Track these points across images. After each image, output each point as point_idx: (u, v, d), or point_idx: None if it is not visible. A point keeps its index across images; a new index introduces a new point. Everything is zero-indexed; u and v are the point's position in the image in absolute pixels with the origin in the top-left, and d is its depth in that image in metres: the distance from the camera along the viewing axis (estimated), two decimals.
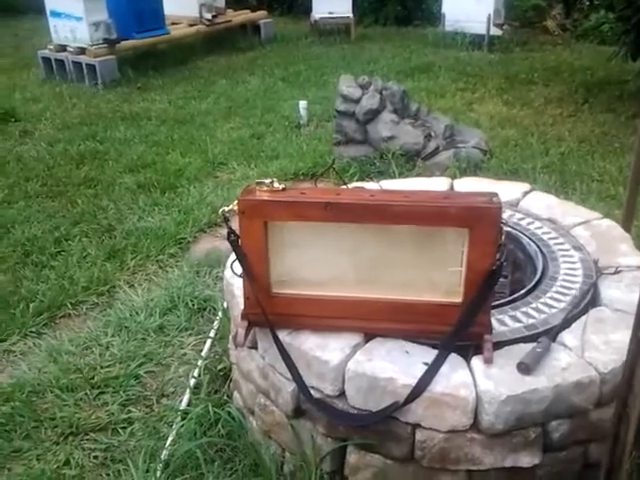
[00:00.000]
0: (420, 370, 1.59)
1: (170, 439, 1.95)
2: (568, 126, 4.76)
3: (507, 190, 2.59)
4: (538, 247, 2.15)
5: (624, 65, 5.66)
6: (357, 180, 3.76)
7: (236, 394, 2.08)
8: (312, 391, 1.67)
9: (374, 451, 1.66)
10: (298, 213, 1.60)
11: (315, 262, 1.67)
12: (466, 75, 6.19)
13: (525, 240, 2.20)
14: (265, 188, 1.63)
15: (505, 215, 2.36)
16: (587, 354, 1.64)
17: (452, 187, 2.65)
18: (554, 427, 1.60)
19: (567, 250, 2.13)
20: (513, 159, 4.02)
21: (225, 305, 2.44)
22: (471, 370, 1.59)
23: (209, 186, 3.98)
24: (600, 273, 1.99)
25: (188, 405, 2.10)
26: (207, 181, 4.10)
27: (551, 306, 1.84)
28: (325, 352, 1.66)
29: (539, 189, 2.74)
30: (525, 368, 1.56)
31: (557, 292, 1.91)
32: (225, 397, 2.08)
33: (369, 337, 1.72)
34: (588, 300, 1.87)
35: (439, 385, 1.54)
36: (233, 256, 2.12)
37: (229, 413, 1.96)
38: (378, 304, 1.68)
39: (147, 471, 1.87)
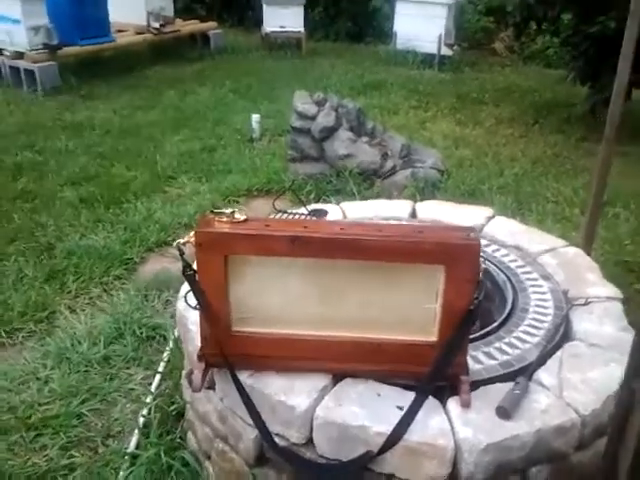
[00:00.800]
0: (394, 415, 1.48)
1: None
2: (520, 146, 4.81)
3: (470, 215, 2.53)
4: (507, 276, 2.09)
5: (571, 88, 5.79)
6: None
7: (190, 436, 1.92)
8: (277, 438, 1.53)
9: None
10: (262, 247, 1.47)
11: (280, 299, 1.54)
12: (418, 93, 6.20)
13: (492, 268, 2.13)
14: (225, 219, 1.49)
15: None
16: (566, 394, 1.56)
17: (414, 210, 2.58)
18: (534, 474, 1.51)
19: (536, 280, 2.08)
20: (469, 180, 4.00)
21: (176, 334, 2.27)
22: (448, 415, 1.49)
23: (157, 202, 3.79)
24: (571, 304, 1.94)
25: (137, 448, 1.92)
26: (155, 196, 3.90)
27: (524, 341, 1.77)
28: (290, 396, 1.52)
29: (496, 211, 2.72)
30: (504, 412, 1.48)
31: (529, 325, 1.84)
32: (178, 439, 1.91)
33: (338, 378, 1.60)
34: (562, 334, 1.81)
35: (415, 434, 1.44)
36: (186, 285, 2.00)
37: (183, 459, 1.79)
38: (348, 344, 1.56)
39: None
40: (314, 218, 2.48)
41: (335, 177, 3.82)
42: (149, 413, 2.03)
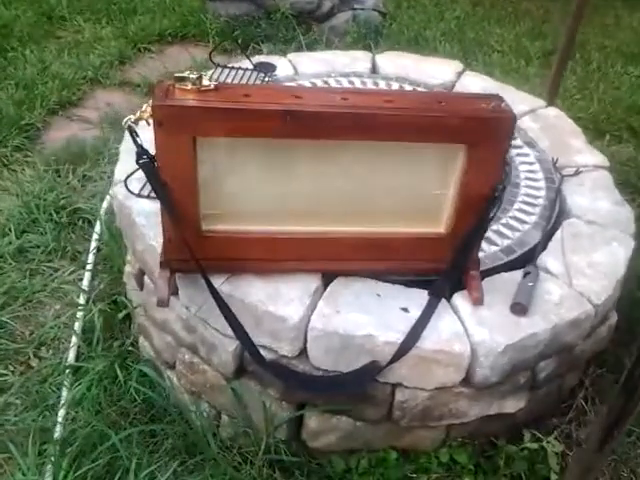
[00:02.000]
0: (401, 320, 1.28)
1: (63, 410, 1.51)
2: None
3: (438, 70, 2.24)
4: None
5: None
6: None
7: (144, 342, 1.65)
8: (263, 351, 1.31)
9: (341, 413, 1.37)
10: (244, 126, 1.12)
11: (262, 190, 1.23)
12: None
13: None
14: (189, 86, 1.11)
15: None
16: (575, 282, 1.43)
17: (375, 64, 2.24)
18: (542, 367, 1.41)
19: (520, 147, 1.87)
20: (412, 24, 3.61)
21: (110, 221, 1.91)
22: (458, 315, 1.32)
23: (51, 50, 3.14)
24: (561, 176, 1.77)
25: (77, 359, 1.64)
26: (47, 43, 3.23)
27: (522, 221, 1.59)
28: (279, 305, 1.28)
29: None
30: (521, 309, 1.32)
31: (524, 202, 1.66)
32: (129, 347, 1.65)
33: (327, 278, 1.36)
34: (558, 211, 1.65)
35: (427, 341, 1.25)
36: (122, 161, 1.62)
37: (141, 371, 1.54)
38: (342, 240, 1.30)
39: (40, 455, 1.44)
40: (262, 74, 2.09)
41: (265, 19, 3.30)
42: (87, 317, 1.72)
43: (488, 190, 1.24)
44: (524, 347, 1.30)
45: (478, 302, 1.32)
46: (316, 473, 1.45)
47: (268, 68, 2.17)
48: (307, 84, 2.06)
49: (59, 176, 2.30)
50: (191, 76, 1.12)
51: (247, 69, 2.10)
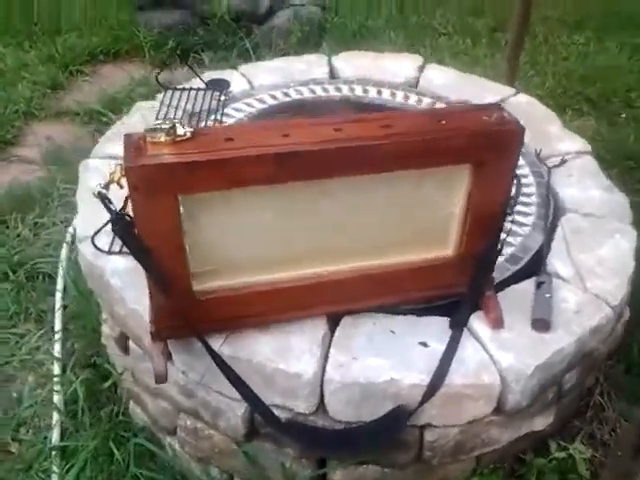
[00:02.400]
0: (422, 357, 1.18)
1: None
2: None
3: (398, 66, 2.14)
4: None
5: None
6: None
7: (135, 408, 1.51)
8: (277, 410, 1.19)
9: (368, 462, 1.27)
10: (231, 177, 0.99)
11: (255, 238, 1.10)
12: None
13: None
14: (163, 138, 0.97)
15: (412, 101, 1.96)
16: (589, 284, 1.36)
17: (332, 68, 2.12)
18: (567, 379, 1.34)
19: None
20: (353, 15, 3.49)
21: (63, 268, 1.74)
22: (480, 342, 1.23)
23: None
24: (548, 168, 1.70)
25: (62, 438, 1.48)
26: None
27: (521, 223, 1.51)
28: (290, 361, 1.16)
29: (391, 51, 2.36)
30: (544, 325, 1.24)
31: (517, 202, 1.58)
32: (120, 417, 1.50)
33: (333, 320, 1.25)
34: (553, 207, 1.58)
35: (455, 375, 1.16)
36: (85, 214, 1.46)
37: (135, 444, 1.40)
38: (348, 279, 1.19)
39: None
40: (216, 93, 1.95)
41: (201, 26, 3.13)
42: (65, 387, 1.56)
43: (498, 208, 1.15)
44: (552, 364, 1.23)
45: (498, 324, 1.24)
46: None
47: (221, 85, 2.02)
48: (266, 97, 1.94)
49: (7, 227, 2.09)
50: (163, 126, 0.98)
51: (199, 89, 1.95)
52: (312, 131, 1.04)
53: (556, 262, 1.41)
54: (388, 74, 2.09)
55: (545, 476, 1.42)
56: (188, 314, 1.10)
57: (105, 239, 1.38)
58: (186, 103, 1.89)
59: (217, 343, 1.17)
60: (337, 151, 1.01)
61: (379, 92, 1.99)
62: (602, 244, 1.47)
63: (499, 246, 1.20)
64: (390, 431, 1.17)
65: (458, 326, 1.20)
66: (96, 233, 1.37)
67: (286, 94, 1.98)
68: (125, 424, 1.49)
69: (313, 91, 1.99)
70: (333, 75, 2.12)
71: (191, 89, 1.96)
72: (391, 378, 1.15)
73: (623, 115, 2.87)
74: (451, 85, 2.05)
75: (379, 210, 1.15)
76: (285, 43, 2.98)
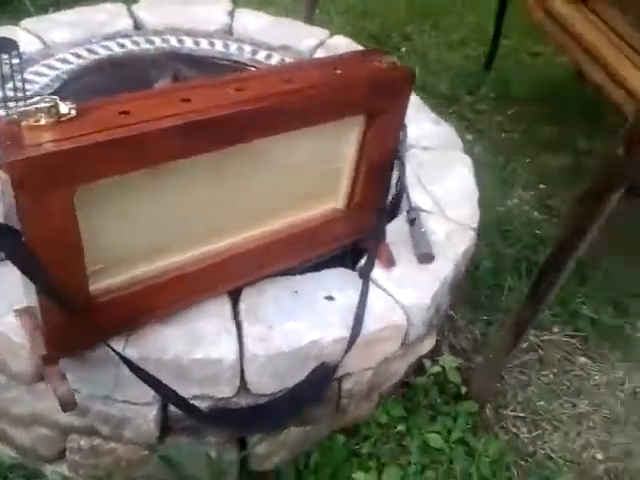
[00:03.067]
0: (333, 311, 1.19)
1: None
2: None
3: (207, 12, 2.01)
4: None
5: None
6: None
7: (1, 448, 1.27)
8: (196, 401, 1.10)
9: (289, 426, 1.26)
10: (135, 157, 0.85)
11: (150, 222, 0.97)
12: None
13: None
14: (44, 120, 0.79)
15: (233, 48, 1.86)
16: (449, 212, 1.46)
17: (134, 18, 1.91)
18: (442, 302, 1.45)
19: None
20: None
21: None
22: (378, 285, 1.27)
23: None
24: None
25: None
26: None
27: None
28: (206, 348, 1.07)
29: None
30: (428, 258, 1.32)
31: None
32: None
33: (232, 295, 1.18)
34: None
35: (368, 321, 1.19)
36: None
37: None
38: (248, 250, 1.12)
39: None
40: (4, 57, 1.63)
41: None
42: None
43: (391, 156, 1.17)
44: (440, 292, 1.32)
45: (390, 263, 1.29)
46: None
47: (8, 46, 1.69)
48: (69, 56, 1.68)
49: None
50: (41, 105, 0.79)
51: None
52: (213, 93, 0.93)
53: (415, 196, 1.50)
54: (198, 22, 1.95)
55: (429, 392, 1.56)
56: (87, 323, 0.94)
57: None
58: None
59: (118, 347, 1.03)
60: (248, 113, 0.92)
61: (196, 42, 1.85)
62: (447, 174, 1.59)
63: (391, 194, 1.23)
64: (316, 390, 1.16)
65: (365, 275, 1.22)
66: None
67: (91, 51, 1.74)
68: None
69: (122, 45, 1.78)
70: (137, 26, 1.91)
71: None
72: (313, 340, 1.13)
73: (403, 49, 3.09)
74: (267, 30, 1.99)
75: (272, 173, 1.09)
76: None
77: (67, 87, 1.59)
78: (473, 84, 2.83)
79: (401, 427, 1.46)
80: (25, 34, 1.75)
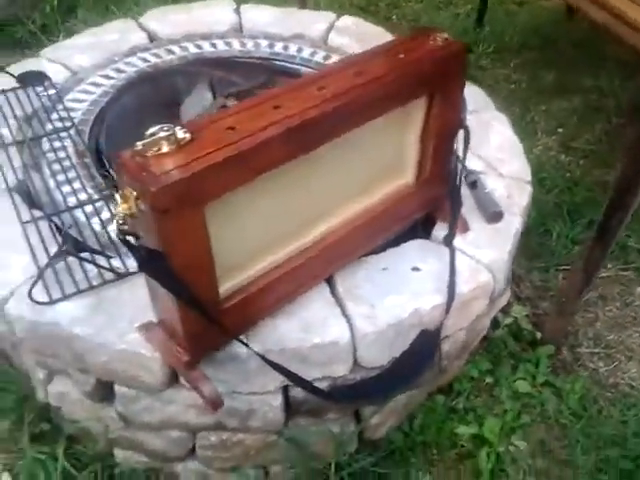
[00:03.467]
0: (423, 280, 1.25)
1: None
2: None
3: (213, 13, 2.02)
4: None
5: None
6: None
7: (125, 453, 1.33)
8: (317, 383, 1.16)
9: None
10: (253, 167, 0.90)
11: (261, 224, 1.03)
12: None
13: None
14: (166, 147, 0.83)
15: (250, 45, 1.89)
16: (502, 170, 1.53)
17: (147, 31, 1.93)
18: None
19: None
20: None
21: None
22: (457, 249, 1.32)
23: None
24: None
25: None
26: None
27: None
28: (320, 332, 1.13)
29: None
30: (498, 215, 1.38)
31: None
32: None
33: (326, 281, 1.24)
34: None
35: (461, 285, 1.25)
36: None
37: None
38: (342, 236, 1.17)
39: None
40: (39, 88, 1.66)
41: None
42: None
43: (456, 126, 1.22)
44: (514, 247, 1.39)
45: (465, 228, 1.35)
46: (384, 460, 1.41)
47: (37, 79, 1.71)
48: (99, 79, 1.71)
49: None
50: (162, 134, 0.83)
51: (14, 89, 1.64)
52: (299, 97, 0.97)
53: (466, 161, 1.55)
54: (208, 24, 1.97)
55: (507, 343, 1.63)
56: (218, 327, 1.00)
57: (40, 291, 1.15)
58: (11, 109, 1.58)
59: (242, 345, 1.09)
60: (336, 111, 0.97)
61: (213, 45, 1.87)
62: (489, 134, 1.64)
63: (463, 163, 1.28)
64: (424, 357, 1.23)
65: (450, 243, 1.28)
66: (34, 285, 1.13)
67: (118, 70, 1.76)
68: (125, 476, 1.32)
69: (145, 59, 1.81)
70: (152, 38, 1.93)
71: (2, 91, 1.64)
72: (414, 309, 1.20)
73: (394, 17, 3.11)
74: (275, 22, 2.01)
75: (353, 160, 1.14)
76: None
77: (112, 109, 1.62)
78: (471, 42, 2.86)
79: (489, 379, 1.54)
80: (50, 64, 1.77)
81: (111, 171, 1.43)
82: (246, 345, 1.01)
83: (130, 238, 0.83)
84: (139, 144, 0.83)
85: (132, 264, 1.21)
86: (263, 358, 1.03)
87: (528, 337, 1.64)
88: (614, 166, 2.26)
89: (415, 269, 1.27)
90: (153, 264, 0.84)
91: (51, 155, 1.47)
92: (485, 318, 1.41)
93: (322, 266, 1.18)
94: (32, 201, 1.36)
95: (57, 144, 1.50)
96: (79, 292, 1.15)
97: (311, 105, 0.95)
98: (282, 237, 1.09)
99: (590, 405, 1.53)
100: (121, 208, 0.81)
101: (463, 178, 1.46)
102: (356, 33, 2.00)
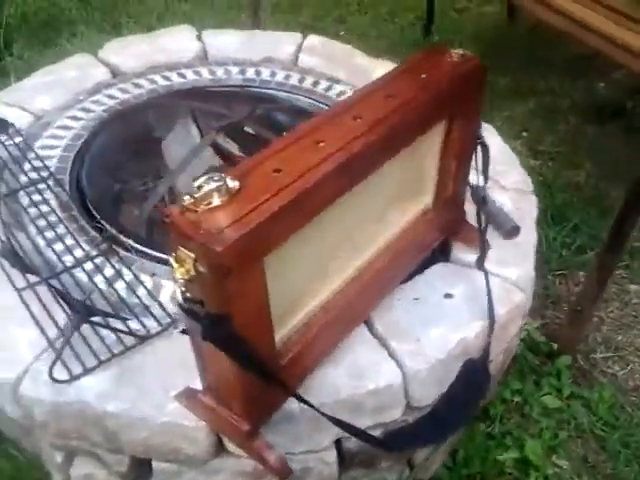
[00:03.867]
0: (460, 306, 1.20)
1: None
2: None
3: (176, 41, 1.93)
4: None
5: None
6: None
7: None
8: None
9: None
10: (307, 209, 0.82)
11: (310, 264, 0.95)
12: None
13: None
14: (218, 199, 0.74)
15: (221, 73, 1.80)
16: (504, 182, 1.51)
17: (109, 66, 1.80)
18: None
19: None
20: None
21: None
22: (492, 272, 1.28)
23: None
24: None
25: None
26: None
27: None
28: (373, 377, 1.06)
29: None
30: (514, 230, 1.36)
31: None
32: None
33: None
34: None
35: (499, 307, 1.20)
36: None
37: None
38: (378, 270, 1.11)
39: None
40: (3, 137, 1.50)
41: None
42: None
43: (471, 146, 1.18)
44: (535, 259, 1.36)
45: (487, 247, 1.31)
46: None
47: (1, 127, 1.56)
48: (68, 122, 1.58)
49: None
50: (212, 185, 0.74)
51: None
52: (338, 129, 0.90)
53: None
54: (172, 53, 1.87)
55: (527, 358, 1.61)
56: (276, 386, 0.91)
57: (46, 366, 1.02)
58: None
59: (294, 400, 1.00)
60: (379, 140, 0.90)
61: (182, 75, 1.78)
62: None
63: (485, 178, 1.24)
64: (477, 384, 1.17)
65: (482, 265, 1.23)
66: (54, 363, 0.99)
67: (85, 110, 1.64)
68: None
69: (112, 96, 1.69)
70: (114, 73, 1.81)
71: None
72: (461, 339, 1.14)
73: (342, 32, 3.08)
74: (243, 47, 1.93)
75: (383, 188, 1.08)
76: None
77: (88, 153, 1.49)
78: None
79: (517, 398, 1.51)
80: (7, 108, 1.62)
81: (103, 222, 1.31)
82: (307, 403, 0.92)
83: (194, 306, 0.73)
84: (187, 198, 0.74)
85: (151, 324, 1.11)
86: (325, 415, 0.95)
87: (544, 349, 1.62)
88: (582, 166, 2.32)
89: (448, 296, 1.22)
90: (217, 330, 0.75)
91: (33, 210, 1.33)
92: (517, 337, 1.38)
93: (363, 304, 1.11)
94: (23, 264, 1.22)
95: (37, 197, 1.36)
96: (101, 363, 1.03)
97: (353, 137, 0.88)
98: (325, 276, 1.02)
99: (620, 413, 1.52)
100: (179, 273, 0.72)
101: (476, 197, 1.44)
102: (325, 53, 1.95)
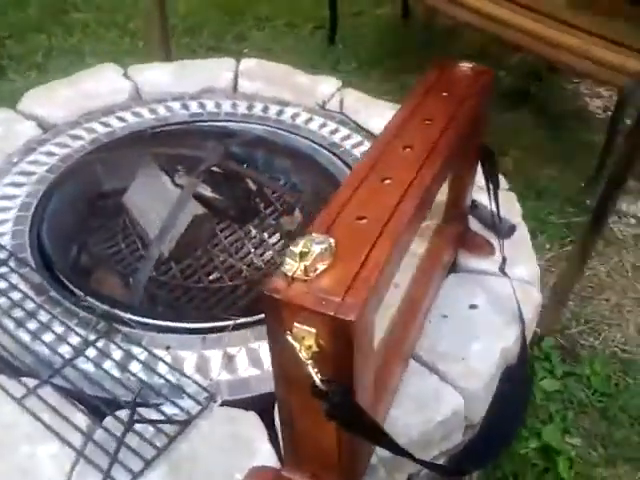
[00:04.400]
0: (490, 315, 1.20)
1: None
2: None
3: (100, 82, 1.77)
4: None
5: None
6: None
7: None
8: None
9: None
10: (403, 250, 0.79)
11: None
12: None
13: None
14: (322, 265, 0.68)
15: (163, 112, 1.69)
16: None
17: (35, 118, 1.63)
18: None
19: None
20: None
21: None
22: (491, 273, 1.29)
23: None
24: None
25: None
26: None
27: None
28: (436, 406, 1.03)
29: None
30: (512, 228, 1.39)
31: None
32: None
33: None
34: None
35: (524, 309, 1.21)
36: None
37: None
38: (416, 297, 1.09)
39: None
40: None
41: None
42: None
43: (477, 154, 1.18)
44: None
45: (491, 251, 1.32)
46: None
47: None
48: (21, 178, 1.41)
49: None
50: (315, 248, 0.68)
51: None
52: (395, 162, 0.86)
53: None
54: (104, 97, 1.72)
55: None
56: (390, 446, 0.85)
57: None
58: None
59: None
60: (442, 168, 0.88)
61: (121, 119, 1.63)
62: None
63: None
64: (523, 389, 1.17)
65: (504, 270, 1.24)
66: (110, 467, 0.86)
67: (26, 173, 1.46)
68: None
69: (51, 153, 1.51)
70: (43, 126, 1.63)
71: None
72: (501, 348, 1.14)
73: (245, 50, 3.01)
74: (177, 80, 1.81)
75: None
76: None
77: (44, 223, 1.33)
78: (333, 62, 2.89)
79: None
80: None
81: (91, 299, 1.17)
82: (411, 456, 0.86)
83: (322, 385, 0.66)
84: (290, 267, 0.67)
85: (187, 404, 1.00)
86: (417, 460, 0.90)
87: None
88: (508, 154, 2.43)
89: (473, 307, 1.22)
90: (344, 407, 0.68)
91: (2, 301, 1.16)
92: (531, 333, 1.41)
93: (411, 334, 1.07)
94: (13, 368, 1.05)
95: (2, 285, 1.19)
96: (149, 464, 0.91)
97: (416, 169, 0.85)
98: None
99: (609, 382, 1.61)
100: (304, 354, 0.64)
101: None
102: (264, 75, 1.88)
